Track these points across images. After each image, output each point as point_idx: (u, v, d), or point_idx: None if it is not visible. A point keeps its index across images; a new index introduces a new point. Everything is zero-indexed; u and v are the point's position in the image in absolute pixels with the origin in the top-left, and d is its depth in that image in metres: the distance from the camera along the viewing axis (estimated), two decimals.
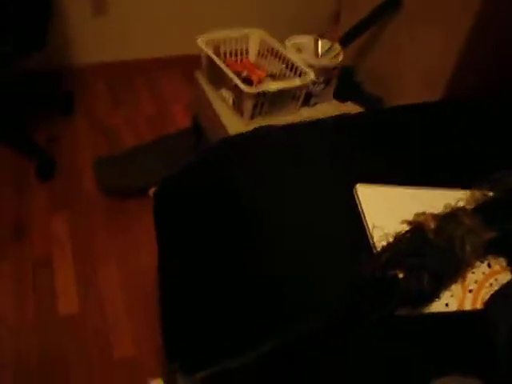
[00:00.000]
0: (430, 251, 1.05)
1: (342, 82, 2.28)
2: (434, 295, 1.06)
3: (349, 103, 2.24)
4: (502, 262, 1.25)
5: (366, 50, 2.35)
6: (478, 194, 1.34)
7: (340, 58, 2.15)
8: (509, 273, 1.23)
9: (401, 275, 1.02)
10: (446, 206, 1.22)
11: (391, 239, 1.12)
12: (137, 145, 2.57)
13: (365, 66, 2.36)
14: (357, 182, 1.36)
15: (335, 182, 1.39)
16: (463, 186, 1.34)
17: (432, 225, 1.10)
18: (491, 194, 1.32)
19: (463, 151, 1.60)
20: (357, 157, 1.48)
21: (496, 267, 1.24)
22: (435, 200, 1.28)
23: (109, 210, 2.28)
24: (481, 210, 1.23)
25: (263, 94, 1.93)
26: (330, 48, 2.21)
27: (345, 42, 2.17)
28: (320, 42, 2.24)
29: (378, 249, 1.12)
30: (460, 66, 1.98)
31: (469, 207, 1.24)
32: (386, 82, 2.26)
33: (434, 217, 1.15)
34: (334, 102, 2.24)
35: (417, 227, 1.10)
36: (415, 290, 1.01)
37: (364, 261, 1.08)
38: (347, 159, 1.48)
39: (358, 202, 1.28)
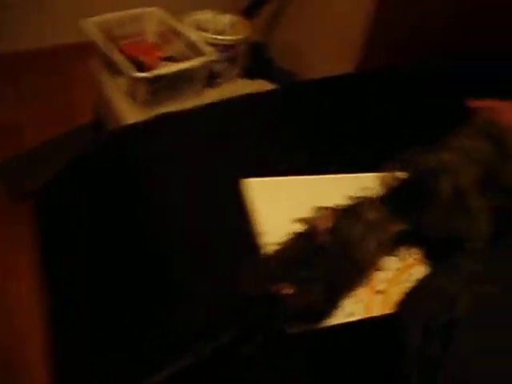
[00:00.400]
0: (324, 258, 0.89)
1: (253, 58, 2.09)
2: (330, 309, 0.90)
3: (259, 81, 2.06)
4: (417, 253, 1.10)
5: (277, 21, 2.16)
6: (388, 177, 1.19)
7: (245, 33, 1.96)
8: (424, 266, 1.08)
9: (288, 290, 0.85)
10: (347, 197, 1.06)
11: (280, 244, 0.94)
12: (44, 141, 2.34)
13: (277, 40, 2.18)
14: (259, 170, 1.21)
15: (234, 171, 1.22)
16: (377, 161, 1.18)
17: (327, 223, 0.94)
18: (403, 175, 1.16)
19: (378, 121, 1.47)
20: (260, 141, 1.33)
21: (410, 260, 1.10)
22: (339, 188, 1.12)
23: (18, 218, 2.05)
24: (389, 198, 1.07)
25: (158, 79, 1.73)
26: (233, 23, 2.01)
27: (249, 14, 1.99)
28: (223, 17, 2.03)
29: (266, 256, 0.95)
30: (374, 34, 1.81)
31: (377, 194, 1.08)
32: (299, 55, 2.09)
33: (333, 212, 0.99)
34: (243, 80, 2.05)
35: (309, 228, 0.93)
36: (305, 308, 0.85)
37: (247, 272, 0.91)
38: (249, 145, 1.32)
39: (246, 198, 1.11)
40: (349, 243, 0.92)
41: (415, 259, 1.10)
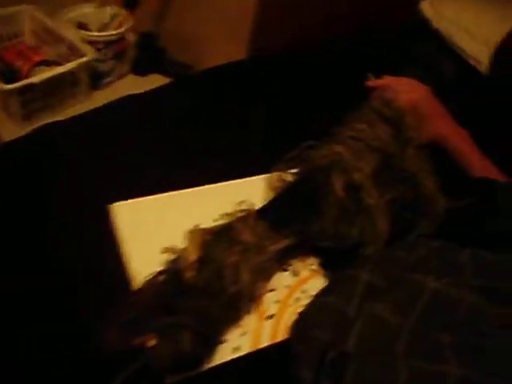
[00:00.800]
0: (192, 298, 0.76)
1: (143, 51, 1.93)
2: (206, 353, 0.78)
3: (152, 75, 1.90)
4: (313, 263, 0.99)
5: (166, 9, 1.99)
6: (276, 179, 1.07)
7: (126, 26, 1.80)
8: (321, 277, 0.97)
9: (151, 341, 0.73)
10: (223, 216, 0.94)
11: (145, 284, 0.81)
12: None
13: (167, 29, 2.01)
14: (149, 183, 1.09)
15: (119, 187, 1.09)
16: (267, 160, 1.09)
17: (195, 254, 0.81)
18: (293, 176, 1.04)
19: (271, 114, 1.36)
20: (151, 147, 1.21)
21: (304, 273, 0.99)
22: (222, 200, 1.00)
23: None
24: (271, 208, 0.95)
25: (30, 88, 1.55)
26: (116, 15, 1.84)
27: (130, 4, 1.81)
28: (105, 10, 1.86)
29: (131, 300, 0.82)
30: (262, 12, 1.68)
31: (258, 205, 0.96)
32: (191, 45, 1.94)
33: (203, 236, 0.86)
34: (133, 77, 1.90)
35: (175, 263, 0.80)
36: (175, 357, 0.72)
37: (110, 323, 0.78)
38: (140, 153, 1.19)
39: (115, 227, 0.97)
40: (220, 275, 0.80)
41: (311, 271, 0.98)
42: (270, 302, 0.92)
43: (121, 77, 1.89)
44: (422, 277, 0.81)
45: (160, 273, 0.80)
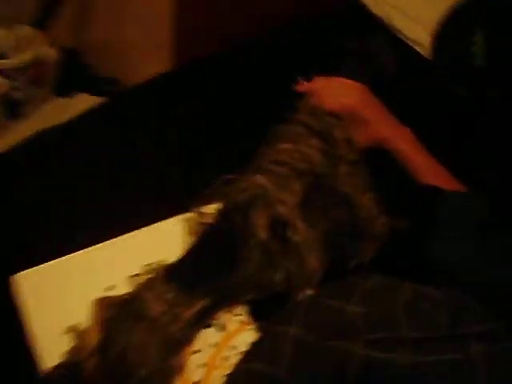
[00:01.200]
0: None
1: (65, 70, 1.81)
2: None
3: (78, 96, 1.79)
4: (241, 313, 0.89)
5: (83, 21, 1.86)
6: (194, 220, 0.97)
7: (41, 46, 1.67)
8: (251, 327, 0.88)
9: None
10: (129, 281, 0.84)
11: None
12: None
13: (87, 43, 1.88)
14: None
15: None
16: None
17: (97, 336, 0.72)
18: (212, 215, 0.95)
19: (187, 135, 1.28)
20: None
21: (231, 327, 0.89)
22: (133, 254, 0.90)
23: None
24: (181, 265, 0.86)
25: None
26: (28, 36, 1.71)
27: (39, 23, 1.68)
28: (15, 31, 1.73)
29: None
30: (181, 17, 1.57)
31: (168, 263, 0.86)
32: (115, 56, 1.81)
33: (108, 309, 0.77)
34: (57, 100, 1.78)
35: (73, 351, 0.71)
36: None
37: None
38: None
39: (17, 301, 0.88)
40: (125, 358, 0.70)
41: (239, 323, 0.89)
42: (194, 366, 0.83)
43: (43, 102, 1.76)
44: (351, 343, 0.72)
45: (58, 366, 0.71)
